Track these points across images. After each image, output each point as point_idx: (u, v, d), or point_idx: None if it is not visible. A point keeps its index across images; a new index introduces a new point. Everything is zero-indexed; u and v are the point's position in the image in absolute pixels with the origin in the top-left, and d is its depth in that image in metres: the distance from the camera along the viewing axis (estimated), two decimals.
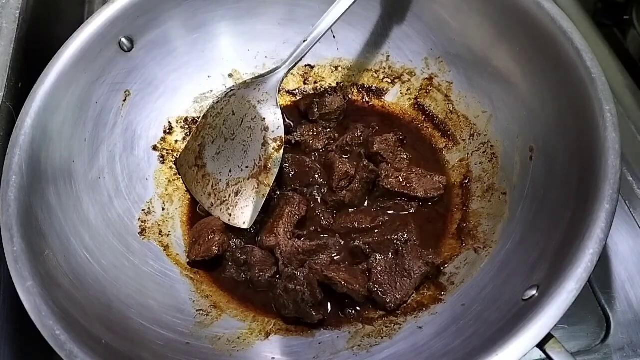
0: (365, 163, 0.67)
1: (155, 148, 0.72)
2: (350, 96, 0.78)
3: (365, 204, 0.68)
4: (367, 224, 0.65)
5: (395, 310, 0.59)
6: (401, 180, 0.66)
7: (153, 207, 0.68)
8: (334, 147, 0.71)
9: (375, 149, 0.70)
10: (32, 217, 0.53)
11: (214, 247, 0.62)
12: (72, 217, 0.57)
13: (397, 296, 0.59)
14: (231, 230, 0.65)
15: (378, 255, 0.61)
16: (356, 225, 0.65)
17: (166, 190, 0.70)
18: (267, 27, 0.75)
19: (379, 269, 0.60)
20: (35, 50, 0.68)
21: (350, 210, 0.67)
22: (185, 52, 0.72)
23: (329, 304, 0.61)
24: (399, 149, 0.71)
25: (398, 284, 0.59)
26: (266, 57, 0.77)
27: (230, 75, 0.77)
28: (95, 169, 0.64)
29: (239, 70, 0.77)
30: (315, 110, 0.74)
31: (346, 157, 0.70)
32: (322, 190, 0.68)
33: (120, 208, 0.64)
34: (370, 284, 0.59)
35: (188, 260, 0.64)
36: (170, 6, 0.69)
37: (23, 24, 0.68)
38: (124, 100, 0.68)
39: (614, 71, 0.77)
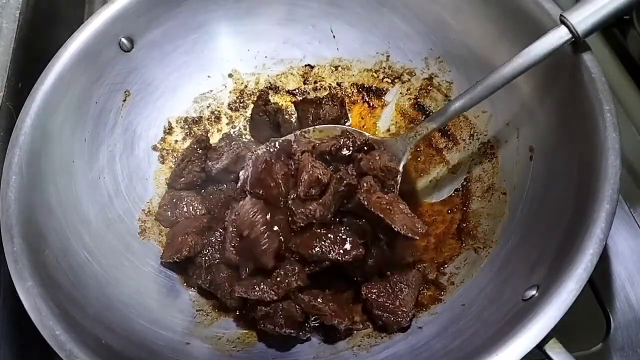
0: (341, 174, 0.56)
1: (155, 148, 0.72)
2: (350, 98, 0.77)
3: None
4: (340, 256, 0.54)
5: (410, 324, 0.57)
6: (383, 203, 0.55)
7: (153, 207, 0.68)
8: (311, 148, 0.60)
9: (363, 166, 0.58)
10: (32, 217, 0.53)
11: (184, 250, 0.61)
12: (72, 217, 0.57)
13: (405, 309, 0.57)
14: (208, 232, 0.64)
15: (367, 285, 0.58)
16: (330, 257, 0.54)
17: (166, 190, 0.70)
18: (267, 27, 0.75)
19: (374, 295, 0.57)
20: (35, 50, 0.68)
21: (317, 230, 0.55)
22: (185, 52, 0.72)
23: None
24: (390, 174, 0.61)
25: (400, 298, 0.57)
26: (266, 57, 0.77)
27: (230, 75, 0.77)
28: (95, 169, 0.64)
29: (239, 70, 0.77)
30: (310, 121, 0.72)
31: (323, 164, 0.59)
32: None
33: (120, 208, 0.64)
34: (374, 312, 0.57)
35: (161, 261, 0.63)
36: (170, 6, 0.68)
37: (23, 24, 0.68)
38: (124, 100, 0.68)
39: (614, 71, 0.77)
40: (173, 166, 0.71)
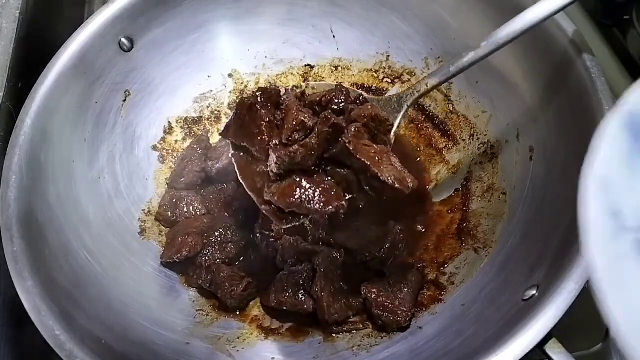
0: (327, 114, 0.51)
1: (155, 148, 0.72)
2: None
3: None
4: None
5: (409, 323, 0.57)
6: (371, 152, 0.51)
7: (153, 207, 0.68)
8: (300, 96, 0.56)
9: (353, 115, 0.53)
10: (32, 218, 0.53)
11: (184, 250, 0.61)
12: (72, 218, 0.57)
13: (405, 309, 0.57)
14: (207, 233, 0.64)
15: (367, 284, 0.58)
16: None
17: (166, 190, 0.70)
18: (267, 27, 0.75)
19: (373, 294, 0.57)
20: (35, 50, 0.68)
21: (304, 183, 0.50)
22: (185, 52, 0.72)
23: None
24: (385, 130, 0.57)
25: (399, 297, 0.57)
26: (266, 57, 0.77)
27: (230, 76, 0.77)
28: (95, 169, 0.64)
29: (239, 70, 0.77)
30: None
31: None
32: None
33: (120, 208, 0.64)
34: (374, 311, 0.57)
35: (161, 261, 0.63)
36: (170, 6, 0.68)
37: (23, 24, 0.67)
38: (124, 101, 0.68)
39: (614, 71, 0.77)
40: (173, 166, 0.71)
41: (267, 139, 0.52)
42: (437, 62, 0.73)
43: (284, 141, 0.51)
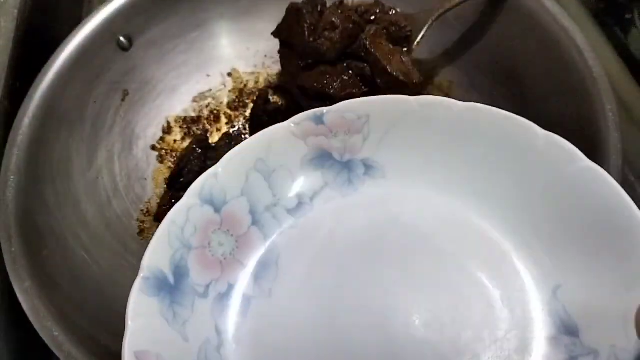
0: (351, 14, 0.62)
1: (153, 148, 0.71)
2: None
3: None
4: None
5: None
6: (385, 49, 0.61)
7: (152, 207, 0.68)
8: (338, 4, 0.65)
9: (377, 20, 0.63)
10: (30, 218, 0.53)
11: None
12: (70, 218, 0.57)
13: None
14: None
15: None
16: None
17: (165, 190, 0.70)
18: (267, 26, 0.74)
19: None
20: (33, 49, 0.68)
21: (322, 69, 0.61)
22: (183, 51, 0.72)
23: None
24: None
25: None
26: (265, 55, 0.76)
27: (230, 74, 0.77)
28: (94, 169, 0.63)
29: (238, 69, 0.77)
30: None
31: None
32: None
33: (118, 208, 0.64)
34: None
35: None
36: (168, 4, 0.68)
37: (22, 23, 0.67)
38: (122, 100, 0.68)
39: (616, 70, 0.77)
40: (172, 166, 0.71)
41: (306, 39, 0.61)
42: (438, 61, 0.72)
43: (315, 37, 0.61)
